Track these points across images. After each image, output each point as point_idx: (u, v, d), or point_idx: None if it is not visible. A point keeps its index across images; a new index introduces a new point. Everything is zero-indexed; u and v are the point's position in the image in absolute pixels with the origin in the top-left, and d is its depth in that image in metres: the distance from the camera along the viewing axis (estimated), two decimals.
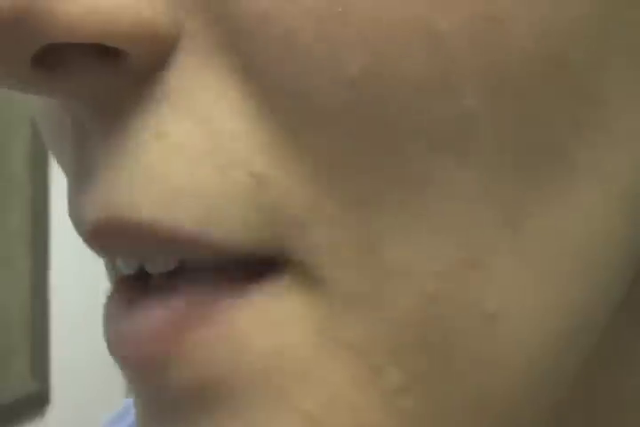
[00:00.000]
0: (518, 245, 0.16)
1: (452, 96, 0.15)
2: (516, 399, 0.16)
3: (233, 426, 0.16)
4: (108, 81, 0.15)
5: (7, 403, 1.33)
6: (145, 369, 0.17)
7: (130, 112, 0.15)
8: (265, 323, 0.16)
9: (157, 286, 0.17)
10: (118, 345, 0.18)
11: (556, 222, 0.16)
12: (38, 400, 1.41)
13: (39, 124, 0.19)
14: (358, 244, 0.15)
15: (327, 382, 0.16)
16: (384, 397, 0.16)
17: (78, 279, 1.42)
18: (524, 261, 0.16)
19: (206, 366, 0.16)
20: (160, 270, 0.17)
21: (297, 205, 0.15)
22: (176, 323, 0.16)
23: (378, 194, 0.15)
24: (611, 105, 0.15)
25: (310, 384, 0.16)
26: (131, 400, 0.41)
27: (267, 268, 0.16)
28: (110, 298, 0.19)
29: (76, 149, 0.17)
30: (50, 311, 1.42)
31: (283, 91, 0.15)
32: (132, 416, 0.39)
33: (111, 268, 0.19)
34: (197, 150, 0.15)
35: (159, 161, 0.15)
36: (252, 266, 0.16)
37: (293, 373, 0.16)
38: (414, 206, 0.15)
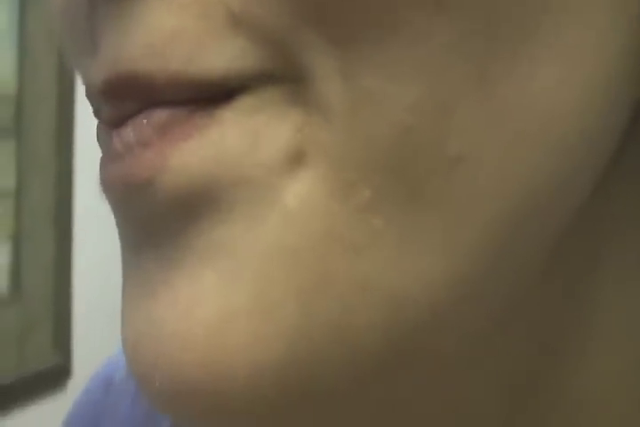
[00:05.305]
0: (485, 99, 0.17)
1: None
2: (474, 258, 0.18)
3: (217, 229, 0.18)
4: None
5: (29, 376, 1.34)
6: (132, 185, 0.18)
7: None
8: (248, 126, 0.18)
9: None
10: (106, 171, 0.19)
11: (522, 87, 0.17)
12: (60, 373, 1.41)
13: (57, 23, 0.21)
14: (341, 70, 0.17)
15: (306, 180, 0.17)
16: (356, 210, 0.17)
17: (101, 252, 1.42)
18: (490, 114, 0.17)
19: (191, 174, 0.18)
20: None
21: (279, 33, 0.17)
22: (160, 134, 0.18)
23: (359, 32, 0.17)
24: None
25: (291, 180, 0.17)
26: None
27: (254, 83, 0.18)
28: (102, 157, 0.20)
29: (89, 29, 0.19)
30: (72, 284, 1.42)
31: None
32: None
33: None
34: (181, 1, 0.17)
35: (160, 21, 0.18)
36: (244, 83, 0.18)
37: (275, 170, 0.17)
38: (391, 45, 0.17)
